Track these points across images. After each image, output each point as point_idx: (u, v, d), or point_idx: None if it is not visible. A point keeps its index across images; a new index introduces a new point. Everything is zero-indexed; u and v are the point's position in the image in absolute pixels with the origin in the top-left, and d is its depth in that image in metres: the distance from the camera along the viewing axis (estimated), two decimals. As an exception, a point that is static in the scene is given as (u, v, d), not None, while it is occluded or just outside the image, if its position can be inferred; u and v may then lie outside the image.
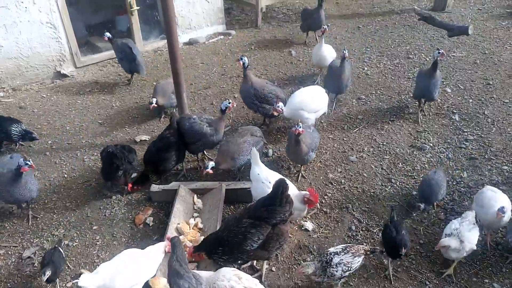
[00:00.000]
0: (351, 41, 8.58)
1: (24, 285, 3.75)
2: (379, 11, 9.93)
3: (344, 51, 5.70)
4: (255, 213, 3.51)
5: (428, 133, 5.67)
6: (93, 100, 6.70)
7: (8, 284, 3.76)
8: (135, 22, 8.05)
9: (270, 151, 5.37)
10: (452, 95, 6.51)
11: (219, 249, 3.39)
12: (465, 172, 4.96)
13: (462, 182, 4.81)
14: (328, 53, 6.64)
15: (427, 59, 7.63)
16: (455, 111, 6.11)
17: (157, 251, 3.40)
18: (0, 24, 6.53)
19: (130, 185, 4.56)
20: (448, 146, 5.41)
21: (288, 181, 3.53)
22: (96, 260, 3.96)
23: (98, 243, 4.17)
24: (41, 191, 4.79)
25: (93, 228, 4.33)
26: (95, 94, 6.88)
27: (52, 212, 4.55)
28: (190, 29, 8.91)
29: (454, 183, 4.80)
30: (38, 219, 4.45)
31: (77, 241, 4.19)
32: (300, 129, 4.38)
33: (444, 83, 6.83)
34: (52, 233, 4.28)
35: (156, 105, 5.70)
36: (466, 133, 5.62)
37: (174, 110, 5.77)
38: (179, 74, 5.15)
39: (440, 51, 5.47)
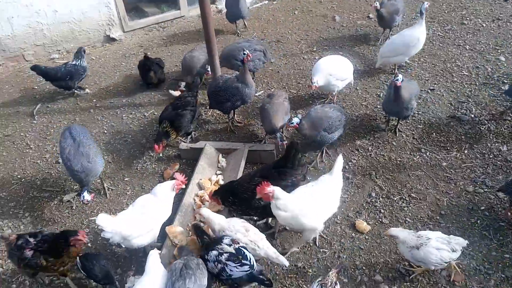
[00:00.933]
0: (401, 6, 8.10)
1: (62, 225, 4.19)
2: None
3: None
4: (267, 172, 3.61)
5: (471, 103, 5.34)
6: (136, 63, 6.97)
7: (49, 223, 4.22)
8: (180, -13, 8.19)
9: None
10: (505, 64, 6.01)
11: (230, 198, 3.58)
12: (505, 146, 4.65)
13: (499, 156, 4.53)
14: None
15: (484, 25, 7.06)
16: (506, 81, 5.66)
17: (166, 192, 3.61)
18: (55, -11, 6.97)
19: (156, 146, 4.64)
20: (491, 117, 5.07)
21: None
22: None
23: (128, 193, 4.51)
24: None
25: (125, 179, 4.67)
26: (138, 57, 7.16)
27: (92, 164, 4.96)
28: (235, -6, 8.89)
29: (491, 156, 4.53)
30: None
31: (109, 190, 4.56)
32: (398, 82, 4.40)
33: (499, 50, 6.33)
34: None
35: (184, 89, 5.87)
36: (514, 105, 5.22)
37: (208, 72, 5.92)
38: (212, 39, 5.21)
39: None
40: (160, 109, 5.48)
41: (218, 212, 3.91)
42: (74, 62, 6.00)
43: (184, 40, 7.64)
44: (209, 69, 5.58)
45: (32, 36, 7.19)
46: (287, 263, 3.28)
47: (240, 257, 3.09)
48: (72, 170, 4.02)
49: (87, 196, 4.03)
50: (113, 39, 7.85)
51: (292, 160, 3.64)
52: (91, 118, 5.74)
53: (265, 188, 3.30)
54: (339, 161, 3.67)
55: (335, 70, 5.10)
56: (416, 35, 5.58)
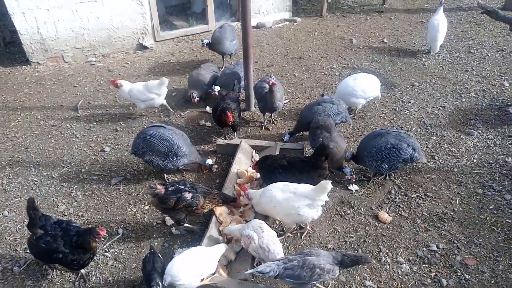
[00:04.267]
0: (412, 34, 8.82)
1: (111, 204, 4.62)
2: (445, 7, 9.91)
3: None
4: (293, 159, 4.30)
5: (478, 121, 5.90)
6: (169, 69, 7.59)
7: (100, 201, 4.65)
8: (209, 5, 8.86)
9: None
10: (509, 89, 6.62)
11: (261, 163, 4.46)
12: (510, 158, 5.17)
13: (505, 166, 5.04)
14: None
15: (489, 54, 7.72)
16: (510, 103, 6.25)
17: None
18: (99, -1, 7.61)
19: (228, 114, 5.16)
20: (497, 134, 5.62)
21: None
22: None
23: (169, 180, 4.96)
24: (124, 136, 5.73)
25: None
26: (171, 64, 7.77)
27: (134, 154, 5.42)
28: (258, 14, 9.57)
29: (497, 166, 5.04)
30: (125, 155, 5.34)
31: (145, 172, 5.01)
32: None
33: (503, 77, 6.95)
34: (133, 168, 5.14)
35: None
36: (518, 125, 5.79)
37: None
38: (249, 46, 5.78)
39: None
40: (196, 110, 6.05)
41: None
42: None
43: (212, 53, 8.22)
44: (215, 89, 6.08)
45: (73, 39, 7.77)
46: None
47: None
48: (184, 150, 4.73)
49: (210, 161, 4.88)
50: (145, 47, 8.44)
51: (315, 159, 4.19)
52: (130, 114, 6.23)
53: (243, 191, 4.10)
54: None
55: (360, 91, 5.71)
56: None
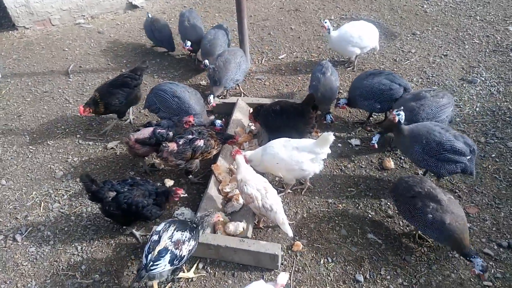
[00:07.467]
0: (414, -21, 8.39)
1: (108, 168, 4.56)
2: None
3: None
4: (287, 107, 4.31)
5: (481, 68, 5.71)
6: (161, 28, 7.30)
7: (97, 166, 4.59)
8: (199, -43, 8.39)
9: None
10: (514, 34, 6.38)
11: (256, 112, 4.45)
12: (513, 105, 5.05)
13: (508, 113, 4.93)
14: None
15: (493, -3, 7.39)
16: (515, 48, 6.03)
17: None
18: (82, -46, 7.18)
19: (81, 108, 4.72)
20: (501, 80, 5.46)
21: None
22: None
23: (167, 142, 4.88)
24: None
25: (163, 130, 5.03)
26: (163, 23, 7.47)
27: (129, 117, 5.32)
28: (251, -35, 9.10)
29: (500, 113, 4.93)
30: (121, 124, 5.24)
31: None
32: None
33: (508, 21, 6.67)
34: (130, 131, 5.03)
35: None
36: (522, 70, 5.60)
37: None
38: (242, 4, 5.50)
39: None
40: (189, 70, 5.86)
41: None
42: None
43: (205, 8, 7.91)
44: (187, 44, 5.87)
45: (59, 1, 7.43)
46: (291, 234, 3.41)
47: None
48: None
49: (219, 122, 4.65)
50: (135, 6, 8.09)
51: (304, 108, 4.18)
52: (123, 77, 6.06)
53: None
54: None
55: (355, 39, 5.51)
56: None
